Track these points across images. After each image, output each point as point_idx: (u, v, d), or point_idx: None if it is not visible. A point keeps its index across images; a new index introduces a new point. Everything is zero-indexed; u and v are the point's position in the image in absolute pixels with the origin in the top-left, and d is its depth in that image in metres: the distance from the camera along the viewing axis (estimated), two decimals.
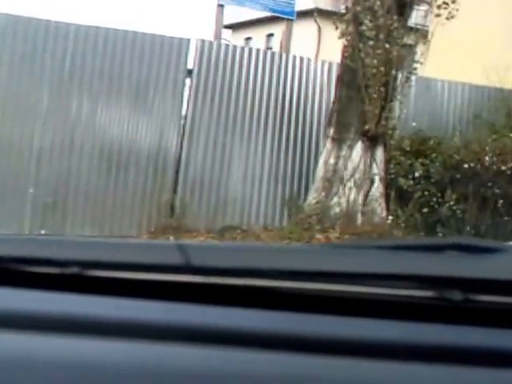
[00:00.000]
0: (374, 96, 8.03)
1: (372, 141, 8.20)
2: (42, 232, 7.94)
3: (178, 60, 8.61)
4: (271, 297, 0.81)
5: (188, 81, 8.70)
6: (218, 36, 10.86)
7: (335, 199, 8.14)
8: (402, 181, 8.35)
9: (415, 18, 9.81)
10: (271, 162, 8.86)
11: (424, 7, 9.84)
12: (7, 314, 0.77)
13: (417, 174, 8.36)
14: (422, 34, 10.63)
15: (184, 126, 8.63)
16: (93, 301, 0.80)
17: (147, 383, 0.70)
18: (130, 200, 8.42)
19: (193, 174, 8.61)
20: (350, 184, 8.15)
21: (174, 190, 8.56)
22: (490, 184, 8.11)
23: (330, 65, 9.21)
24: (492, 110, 9.35)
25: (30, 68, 8.10)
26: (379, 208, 8.19)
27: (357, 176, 8.16)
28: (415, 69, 8.76)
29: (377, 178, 8.23)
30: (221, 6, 11.06)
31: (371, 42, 8.04)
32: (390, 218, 8.09)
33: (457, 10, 8.60)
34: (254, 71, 8.86)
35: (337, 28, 8.53)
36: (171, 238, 7.90)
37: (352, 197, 8.14)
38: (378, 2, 8.03)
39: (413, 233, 8.04)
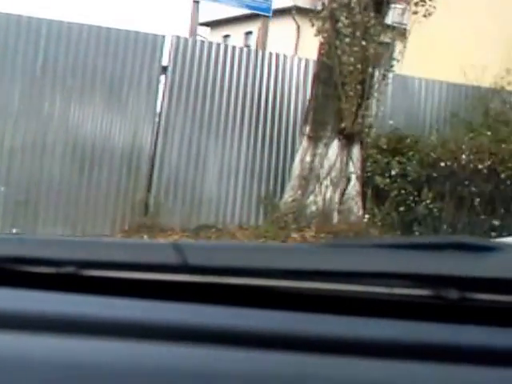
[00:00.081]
0: (351, 94, 7.97)
1: (348, 139, 8.13)
2: (14, 231, 7.81)
3: (152, 57, 8.49)
4: (269, 296, 0.81)
5: (163, 78, 8.59)
6: (193, 32, 10.74)
7: (311, 198, 8.07)
8: (378, 179, 8.29)
9: (393, 16, 9.77)
10: (247, 159, 8.77)
11: (401, 5, 9.80)
12: (3, 314, 0.76)
13: (393, 173, 8.31)
14: (400, 32, 10.60)
15: (158, 124, 8.52)
16: (88, 300, 0.79)
17: (143, 383, 0.69)
18: (104, 198, 8.29)
19: (167, 172, 8.51)
20: (327, 182, 8.08)
21: (149, 189, 8.44)
22: (466, 182, 8.07)
23: (307, 62, 9.13)
24: (469, 108, 9.31)
25: (0, 65, 7.95)
26: (356, 207, 8.13)
27: (333, 174, 8.09)
28: (392, 66, 8.71)
29: (353, 177, 8.16)
30: (196, 2, 10.95)
31: (348, 40, 7.97)
32: (367, 216, 8.03)
33: (434, 7, 8.56)
34: (230, 68, 8.76)
35: (313, 25, 8.46)
36: (145, 236, 7.80)
37: (328, 195, 8.07)
38: None
39: (389, 231, 7.99)
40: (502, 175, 8.10)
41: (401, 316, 0.77)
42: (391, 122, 8.93)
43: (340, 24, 8.01)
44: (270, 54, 9.17)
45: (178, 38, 8.75)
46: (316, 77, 8.39)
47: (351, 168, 8.16)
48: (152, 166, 8.47)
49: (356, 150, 8.19)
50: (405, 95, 9.43)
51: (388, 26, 8.89)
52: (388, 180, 8.29)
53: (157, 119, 8.53)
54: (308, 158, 8.17)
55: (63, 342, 0.73)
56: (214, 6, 13.55)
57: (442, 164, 8.10)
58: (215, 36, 23.73)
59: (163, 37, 8.62)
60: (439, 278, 0.81)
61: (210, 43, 9.28)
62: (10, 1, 10.38)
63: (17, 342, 0.73)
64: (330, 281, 0.81)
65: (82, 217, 8.21)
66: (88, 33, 8.30)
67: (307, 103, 8.54)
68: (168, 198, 8.48)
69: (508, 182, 8.17)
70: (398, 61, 8.82)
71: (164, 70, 8.57)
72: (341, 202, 8.11)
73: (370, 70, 8.15)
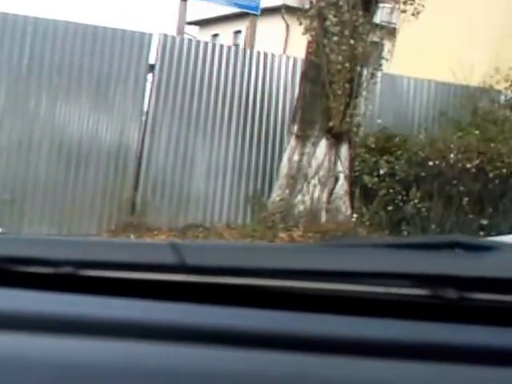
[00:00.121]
0: (339, 92, 7.93)
1: (336, 138, 8.09)
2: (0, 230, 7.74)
3: (139, 55, 8.43)
4: (268, 296, 0.81)
5: (150, 76, 8.53)
6: (180, 31, 10.68)
7: (299, 197, 8.02)
8: (366, 178, 8.26)
9: (381, 15, 9.73)
10: (235, 158, 8.72)
11: (390, 4, 9.77)
12: (1, 314, 0.76)
13: (382, 172, 8.28)
14: (389, 31, 10.57)
15: (146, 122, 8.46)
16: (86, 301, 0.79)
17: (142, 383, 0.69)
18: (90, 198, 8.23)
19: (154, 171, 8.45)
20: (314, 181, 8.04)
21: (136, 188, 8.38)
22: (454, 182, 8.04)
23: (295, 61, 9.09)
24: (458, 107, 9.29)
25: None
26: (344, 206, 8.09)
27: (321, 173, 8.05)
28: (381, 65, 8.68)
29: (341, 176, 8.13)
30: (184, 0, 10.87)
31: (336, 38, 7.93)
32: (355, 215, 8.00)
33: (422, 6, 8.53)
34: (218, 66, 8.71)
35: (301, 24, 8.42)
36: (132, 236, 7.74)
37: (316, 194, 8.03)
38: None
39: (377, 231, 7.96)
40: (491, 174, 8.07)
41: (399, 316, 0.77)
42: (379, 120, 8.90)
43: (328, 22, 7.97)
44: (258, 52, 9.12)
45: (166, 36, 8.70)
46: (304, 75, 8.35)
47: (339, 167, 8.12)
48: (139, 164, 8.41)
49: (344, 149, 8.15)
50: (393, 94, 9.40)
51: (376, 25, 8.85)
52: (376, 179, 8.25)
53: (144, 118, 8.47)
54: (296, 157, 8.13)
55: (61, 342, 0.73)
56: (203, 4, 13.49)
57: (431, 163, 8.07)
58: (204, 35, 23.67)
59: (150, 35, 8.57)
60: (437, 278, 0.81)
61: (198, 41, 9.23)
62: None
63: (14, 342, 0.73)
64: (328, 280, 0.81)
65: (68, 216, 8.15)
66: (74, 31, 8.24)
67: (295, 102, 8.49)
68: (155, 197, 8.42)
69: (496, 182, 8.15)
70: (386, 60, 8.80)
71: (151, 68, 8.52)
72: (329, 202, 8.07)
73: (359, 68, 8.11)
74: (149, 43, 8.50)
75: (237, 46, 16.10)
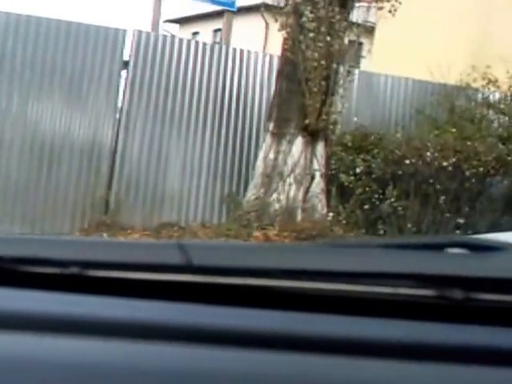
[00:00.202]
0: (315, 90, 7.85)
1: (313, 136, 8.01)
2: None
3: (113, 51, 8.32)
4: (270, 296, 0.81)
5: (124, 73, 8.41)
6: (155, 27, 10.55)
7: (274, 195, 7.94)
8: (343, 177, 8.18)
9: (357, 13, 9.66)
10: (210, 156, 8.61)
11: (366, 3, 9.70)
12: (5, 314, 0.76)
13: (358, 170, 8.20)
14: (367, 29, 10.52)
15: (119, 120, 8.34)
16: (93, 301, 0.79)
17: (147, 383, 0.69)
18: (63, 196, 8.11)
19: (128, 169, 8.33)
20: (290, 180, 7.96)
21: (109, 186, 8.27)
22: (431, 180, 7.98)
23: (271, 58, 9.00)
24: (435, 105, 9.24)
25: None
26: (320, 204, 8.01)
27: (297, 172, 7.97)
28: (358, 63, 8.62)
29: (317, 174, 8.04)
30: None
31: (312, 35, 7.85)
32: (331, 214, 7.92)
33: (399, 3, 8.47)
34: (193, 63, 8.60)
35: (276, 20, 8.34)
36: (105, 235, 7.63)
37: (292, 193, 7.95)
38: None
39: (354, 230, 7.89)
40: (467, 173, 8.02)
41: (405, 316, 0.77)
42: (356, 119, 8.83)
43: (304, 19, 7.89)
44: (234, 49, 9.02)
45: (140, 32, 8.58)
46: (280, 72, 8.26)
47: (315, 165, 8.04)
48: (113, 162, 8.30)
49: (320, 147, 8.08)
50: (370, 92, 9.33)
51: (353, 23, 8.78)
52: (353, 178, 8.18)
53: (118, 115, 8.36)
54: (271, 155, 8.04)
55: (67, 342, 0.73)
56: (182, 1, 13.37)
57: (407, 161, 8.01)
58: (184, 33, 23.53)
59: (124, 31, 8.46)
60: (443, 278, 0.81)
61: (173, 38, 9.13)
62: None
63: (20, 342, 0.73)
64: (333, 281, 0.81)
65: (40, 214, 8.03)
66: (47, 26, 8.12)
67: (271, 99, 8.40)
68: (129, 195, 8.31)
69: (473, 180, 8.10)
70: (364, 57, 8.75)
71: (125, 64, 8.40)
72: (304, 200, 7.99)
73: (335, 66, 8.04)
74: (123, 39, 8.39)
75: (215, 43, 15.99)
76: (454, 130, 8.60)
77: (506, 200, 8.41)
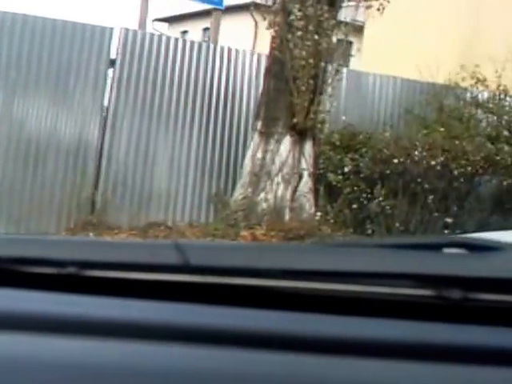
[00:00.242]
0: (303, 88, 7.80)
1: (301, 135, 7.97)
2: None
3: (100, 49, 8.24)
4: (270, 296, 0.81)
5: (111, 71, 8.34)
6: (142, 25, 10.49)
7: (262, 195, 7.89)
8: (331, 176, 8.14)
9: (348, 12, 9.62)
10: (198, 156, 8.55)
11: (355, 1, 9.65)
12: (3, 315, 0.76)
13: (346, 169, 8.16)
14: (356, 28, 10.49)
15: (106, 118, 8.27)
16: (90, 301, 0.79)
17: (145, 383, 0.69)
18: (49, 196, 8.03)
19: (115, 169, 8.26)
20: (278, 179, 7.91)
21: (96, 185, 8.19)
22: (419, 180, 7.94)
23: (259, 56, 8.95)
24: (423, 104, 9.21)
25: None
26: (308, 204, 7.97)
27: (285, 171, 7.93)
28: (347, 62, 8.59)
29: (305, 173, 8.00)
30: None
31: (300, 33, 7.80)
32: (319, 214, 7.88)
33: (388, 1, 8.44)
34: (181, 62, 8.54)
35: (265, 19, 8.30)
36: (91, 234, 7.56)
37: (280, 192, 7.90)
38: None
39: (342, 229, 7.85)
40: (455, 172, 7.99)
41: (403, 316, 0.77)
42: (344, 117, 8.79)
43: (292, 17, 7.85)
44: (222, 47, 8.96)
45: (127, 30, 8.51)
46: (268, 71, 8.21)
47: (303, 165, 8.00)
48: (99, 161, 8.22)
49: (308, 147, 8.03)
50: (358, 91, 9.29)
51: (341, 22, 8.74)
52: (341, 177, 8.14)
53: (104, 114, 8.28)
54: (259, 155, 7.99)
55: (65, 342, 0.73)
56: (169, 0, 13.30)
57: (395, 161, 7.97)
58: (173, 32, 23.47)
59: (111, 29, 8.38)
60: (442, 278, 0.81)
61: (160, 36, 9.06)
62: None
63: (18, 342, 0.73)
64: (331, 281, 0.81)
65: (26, 214, 7.95)
66: (33, 24, 8.04)
67: (259, 98, 8.35)
68: (116, 195, 8.24)
69: (461, 180, 8.07)
70: (352, 56, 8.72)
71: (112, 63, 8.33)
72: (292, 200, 7.94)
73: (323, 64, 8.00)
74: (110, 37, 8.31)
75: (204, 41, 15.94)
76: (442, 129, 8.57)
77: (495, 199, 8.39)
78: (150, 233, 7.85)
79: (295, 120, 7.85)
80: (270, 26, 8.08)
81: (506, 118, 9.06)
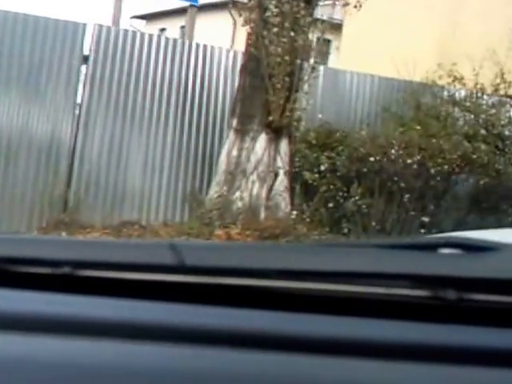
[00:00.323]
0: (279, 86, 7.72)
1: (276, 133, 7.88)
2: None
3: (73, 46, 8.11)
4: (266, 296, 0.81)
5: (84, 68, 8.21)
6: (116, 21, 10.35)
7: (237, 193, 7.80)
8: (307, 174, 8.06)
9: (326, 10, 9.55)
10: (172, 154, 8.44)
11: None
12: None
13: (322, 168, 8.08)
14: (334, 26, 10.42)
15: (79, 116, 8.14)
16: (85, 301, 0.79)
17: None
18: (20, 195, 7.89)
19: (88, 167, 8.13)
20: (253, 177, 7.83)
21: (68, 184, 8.06)
22: (396, 178, 7.87)
23: (235, 53, 8.85)
24: (401, 102, 9.16)
25: None
26: (283, 202, 7.89)
27: (260, 169, 7.84)
28: (326, 60, 8.52)
29: (281, 172, 7.92)
30: None
31: (276, 30, 7.72)
32: (295, 212, 7.80)
33: None
34: (155, 58, 8.42)
35: (241, 15, 8.21)
36: (63, 233, 7.44)
37: (255, 191, 7.82)
38: None
39: (317, 228, 7.77)
40: (432, 171, 7.93)
41: (398, 316, 0.77)
42: (320, 115, 8.71)
43: (268, 13, 7.76)
44: (197, 44, 8.84)
45: (101, 26, 8.39)
46: (243, 68, 8.12)
47: (279, 163, 7.92)
48: (72, 160, 8.09)
49: (284, 145, 7.95)
50: (335, 89, 9.21)
51: (318, 19, 8.66)
52: (317, 175, 8.06)
53: (77, 111, 8.15)
54: (235, 153, 7.90)
55: (59, 342, 0.73)
56: None
57: (372, 159, 7.90)
58: (151, 29, 23.31)
59: (84, 25, 8.25)
60: (437, 279, 0.81)
61: (134, 32, 8.93)
62: None
63: (12, 342, 0.73)
64: (327, 281, 0.81)
65: None
66: (4, 19, 7.90)
67: (235, 95, 8.26)
68: (89, 193, 8.11)
69: (438, 178, 8.02)
70: (330, 54, 8.65)
71: (85, 59, 8.20)
72: (268, 198, 7.86)
73: (299, 62, 7.92)
74: (83, 33, 8.18)
75: (181, 39, 15.82)
76: (419, 127, 8.51)
77: (471, 198, 8.35)
78: (123, 232, 7.75)
79: (271, 118, 7.77)
80: (246, 22, 7.99)
81: (483, 116, 9.02)
